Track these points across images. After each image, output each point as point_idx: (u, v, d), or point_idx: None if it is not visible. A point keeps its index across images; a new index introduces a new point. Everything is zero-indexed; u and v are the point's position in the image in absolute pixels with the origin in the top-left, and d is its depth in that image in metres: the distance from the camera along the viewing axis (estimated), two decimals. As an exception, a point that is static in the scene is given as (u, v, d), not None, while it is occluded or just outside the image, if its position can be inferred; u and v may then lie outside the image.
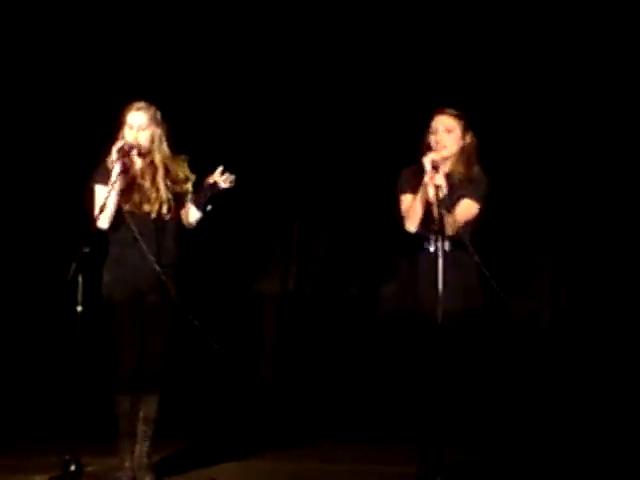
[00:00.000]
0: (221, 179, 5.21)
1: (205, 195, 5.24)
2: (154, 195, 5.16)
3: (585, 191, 7.27)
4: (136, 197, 5.16)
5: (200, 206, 5.25)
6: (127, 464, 5.11)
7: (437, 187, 4.85)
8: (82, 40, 7.43)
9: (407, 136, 6.92)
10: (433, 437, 4.83)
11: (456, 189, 5.00)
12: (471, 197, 5.02)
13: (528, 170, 7.28)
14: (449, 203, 4.86)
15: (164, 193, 5.17)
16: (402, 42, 7.33)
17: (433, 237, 4.84)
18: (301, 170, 7.69)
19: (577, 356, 7.19)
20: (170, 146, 5.29)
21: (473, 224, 5.07)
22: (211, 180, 5.22)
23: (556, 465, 5.86)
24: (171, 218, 5.21)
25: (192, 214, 5.28)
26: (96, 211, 5.10)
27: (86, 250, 4.99)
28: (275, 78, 7.56)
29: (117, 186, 5.08)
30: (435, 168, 4.88)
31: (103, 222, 5.12)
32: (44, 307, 7.31)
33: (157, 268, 5.08)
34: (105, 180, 5.14)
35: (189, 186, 5.26)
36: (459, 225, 4.89)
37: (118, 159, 5.08)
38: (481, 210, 5.06)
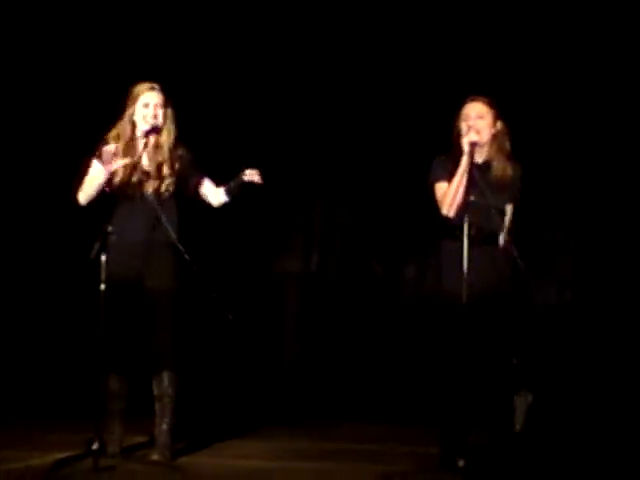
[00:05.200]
0: (255, 178, 5.27)
1: (239, 183, 5.29)
2: (155, 174, 5.17)
3: (609, 174, 7.24)
4: (136, 177, 5.15)
5: (230, 191, 5.31)
6: (112, 447, 5.10)
7: (472, 144, 4.91)
8: (81, 39, 7.47)
9: (427, 116, 6.99)
10: (457, 419, 4.84)
11: (501, 180, 5.06)
12: (514, 201, 5.17)
13: (550, 154, 7.25)
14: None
15: (167, 174, 5.18)
16: (430, 27, 7.30)
17: (466, 220, 4.85)
18: (324, 149, 7.68)
19: (598, 339, 7.18)
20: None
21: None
22: (248, 174, 5.26)
23: (578, 451, 5.84)
24: (170, 196, 5.22)
25: (219, 197, 5.34)
26: (83, 184, 5.17)
27: (109, 229, 5.01)
28: (296, 58, 7.56)
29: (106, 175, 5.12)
30: (473, 146, 4.92)
31: (83, 198, 5.19)
32: (67, 286, 7.35)
33: (177, 244, 5.11)
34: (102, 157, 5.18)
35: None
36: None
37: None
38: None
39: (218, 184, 5.36)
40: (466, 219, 4.83)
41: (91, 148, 5.33)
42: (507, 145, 5.15)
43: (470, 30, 7.22)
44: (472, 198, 4.91)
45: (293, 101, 7.59)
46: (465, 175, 4.94)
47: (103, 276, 4.95)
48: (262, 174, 5.27)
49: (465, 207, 4.89)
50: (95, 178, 5.15)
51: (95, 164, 5.21)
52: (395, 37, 7.37)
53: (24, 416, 6.72)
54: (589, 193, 7.29)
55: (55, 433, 5.98)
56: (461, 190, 4.94)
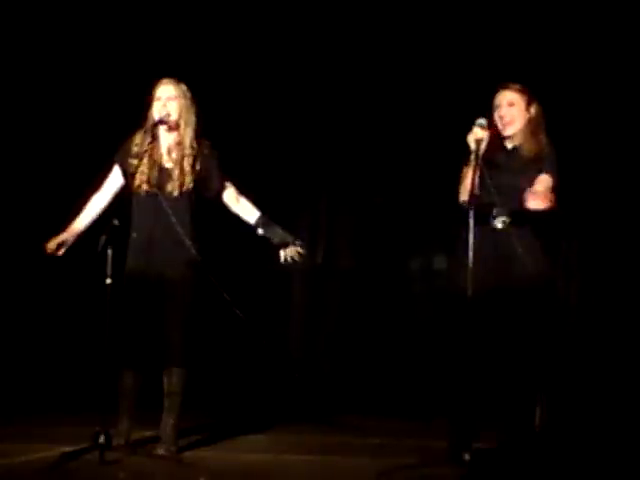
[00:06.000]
0: (293, 254, 5.33)
1: (273, 240, 5.35)
2: (177, 173, 5.18)
3: (613, 167, 7.23)
4: (157, 177, 5.17)
5: (260, 228, 5.37)
6: (119, 441, 5.10)
7: (478, 141, 4.88)
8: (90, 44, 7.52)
9: (430, 112, 6.98)
10: (466, 412, 4.81)
11: (529, 163, 5.02)
12: (547, 171, 5.02)
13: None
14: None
15: (187, 171, 5.19)
16: (433, 22, 7.30)
17: (471, 216, 4.81)
18: (329, 145, 7.70)
19: (604, 331, 7.18)
20: (199, 128, 5.30)
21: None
22: (288, 251, 5.33)
23: (586, 446, 5.81)
24: (189, 194, 5.22)
25: (246, 214, 5.38)
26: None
27: (116, 223, 5.01)
28: (299, 54, 7.56)
29: None
30: (478, 144, 4.89)
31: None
32: (74, 279, 7.36)
33: (187, 243, 5.12)
34: (124, 161, 5.23)
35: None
36: (544, 199, 4.91)
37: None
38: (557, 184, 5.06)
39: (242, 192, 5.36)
40: (471, 214, 4.81)
41: (113, 148, 5.37)
42: (542, 127, 5.09)
43: (464, 25, 7.22)
44: (477, 192, 4.89)
45: (298, 98, 7.59)
46: (474, 171, 4.90)
47: (109, 270, 4.95)
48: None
49: (473, 200, 4.85)
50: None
51: (115, 169, 5.29)
52: (396, 36, 7.37)
53: (30, 409, 6.74)
54: (590, 190, 7.28)
55: (61, 426, 6.01)
56: (468, 183, 4.91)
